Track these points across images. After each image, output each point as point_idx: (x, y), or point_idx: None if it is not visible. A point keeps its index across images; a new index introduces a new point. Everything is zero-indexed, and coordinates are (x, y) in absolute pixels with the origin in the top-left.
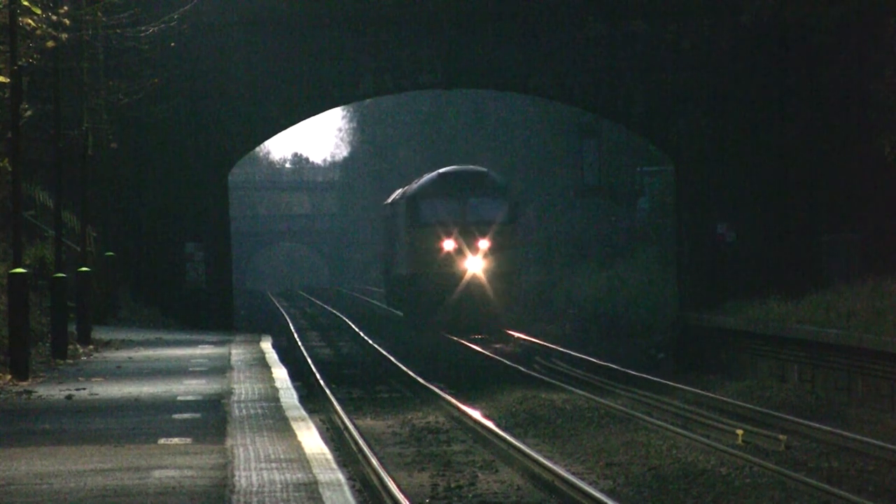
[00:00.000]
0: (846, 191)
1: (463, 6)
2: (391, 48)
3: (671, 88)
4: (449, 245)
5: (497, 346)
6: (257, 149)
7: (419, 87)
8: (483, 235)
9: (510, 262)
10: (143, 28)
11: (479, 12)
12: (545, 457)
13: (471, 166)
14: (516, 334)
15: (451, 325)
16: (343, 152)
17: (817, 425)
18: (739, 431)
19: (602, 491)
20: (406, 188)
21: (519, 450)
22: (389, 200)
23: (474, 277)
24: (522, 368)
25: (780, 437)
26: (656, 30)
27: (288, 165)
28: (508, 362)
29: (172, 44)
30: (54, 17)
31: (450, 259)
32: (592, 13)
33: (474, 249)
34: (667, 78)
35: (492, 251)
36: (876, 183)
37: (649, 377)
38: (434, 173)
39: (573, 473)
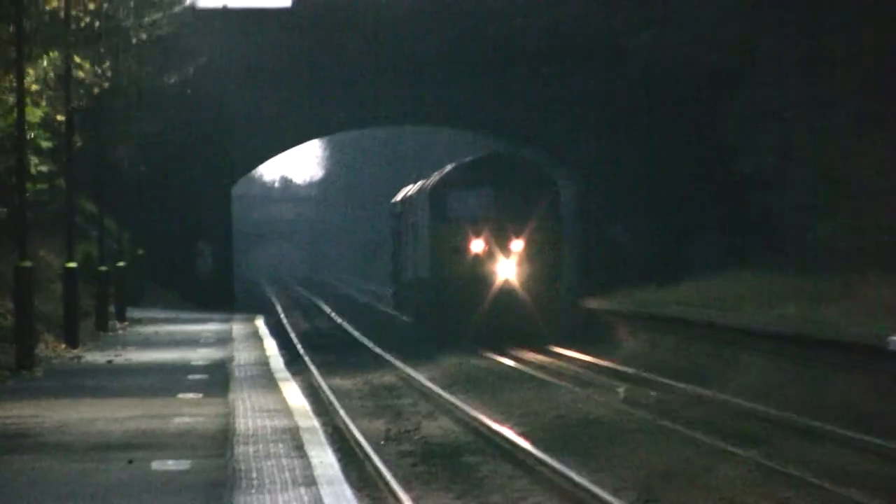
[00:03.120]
0: (715, 201)
1: (415, 58)
2: (356, 95)
3: (579, 120)
4: (477, 246)
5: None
6: (254, 171)
7: (378, 124)
8: (518, 235)
9: (550, 267)
10: (166, 77)
11: (426, 62)
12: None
13: (504, 152)
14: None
15: (480, 337)
16: (320, 173)
17: (681, 384)
18: (620, 388)
19: (518, 433)
20: (425, 180)
21: (454, 403)
22: (399, 198)
23: (506, 284)
24: None
25: (652, 392)
26: (567, 72)
27: (277, 184)
28: None
29: (189, 90)
30: (99, 70)
31: (478, 262)
32: (517, 61)
33: (506, 251)
34: (576, 111)
35: (528, 254)
36: (738, 195)
37: (559, 350)
38: (461, 161)
39: (495, 421)
